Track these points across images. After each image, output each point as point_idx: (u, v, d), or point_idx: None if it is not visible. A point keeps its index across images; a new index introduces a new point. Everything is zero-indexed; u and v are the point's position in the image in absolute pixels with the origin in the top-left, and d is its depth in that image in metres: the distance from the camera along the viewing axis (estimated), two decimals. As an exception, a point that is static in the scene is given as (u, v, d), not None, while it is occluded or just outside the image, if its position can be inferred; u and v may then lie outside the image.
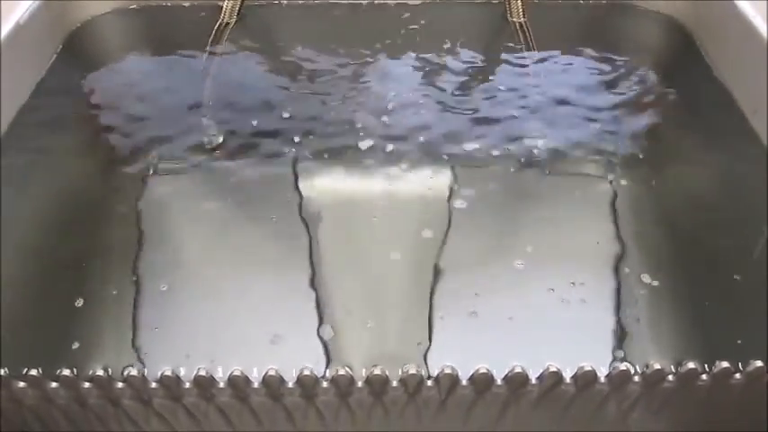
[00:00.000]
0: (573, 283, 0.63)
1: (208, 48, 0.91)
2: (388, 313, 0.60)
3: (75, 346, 0.57)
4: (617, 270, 0.64)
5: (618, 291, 0.62)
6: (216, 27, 0.93)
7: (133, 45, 0.92)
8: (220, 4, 0.94)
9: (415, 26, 0.95)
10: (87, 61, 0.89)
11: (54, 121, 0.80)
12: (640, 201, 0.72)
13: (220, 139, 0.78)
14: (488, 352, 0.57)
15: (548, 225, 0.69)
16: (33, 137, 0.77)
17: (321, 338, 0.58)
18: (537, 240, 0.67)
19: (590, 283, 0.63)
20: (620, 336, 0.59)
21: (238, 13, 0.95)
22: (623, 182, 0.73)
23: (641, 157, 0.77)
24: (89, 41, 0.92)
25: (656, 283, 0.63)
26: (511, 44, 0.91)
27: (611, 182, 0.73)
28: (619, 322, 0.60)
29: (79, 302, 0.61)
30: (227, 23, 0.94)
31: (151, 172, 0.74)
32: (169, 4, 0.96)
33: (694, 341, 0.59)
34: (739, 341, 0.57)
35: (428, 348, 0.57)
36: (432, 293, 0.62)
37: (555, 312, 0.60)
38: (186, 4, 0.97)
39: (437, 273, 0.63)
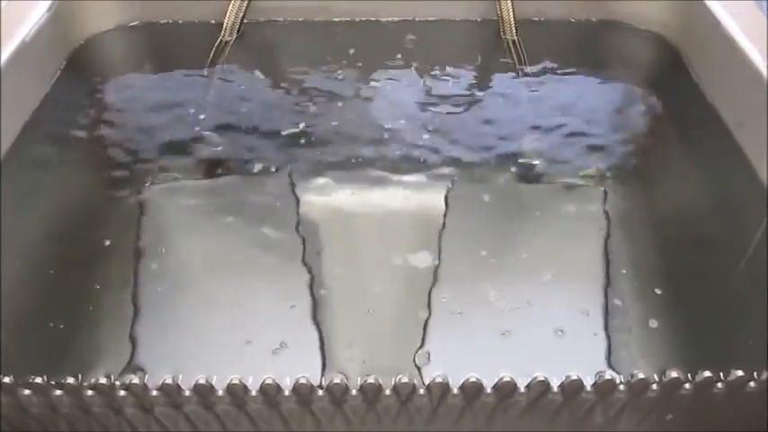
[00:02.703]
0: (565, 293, 0.65)
1: (208, 64, 0.92)
2: (383, 322, 0.62)
3: (78, 354, 0.59)
4: (608, 280, 0.65)
5: (608, 300, 0.64)
6: (216, 44, 0.95)
7: (135, 61, 0.94)
8: (221, 21, 0.96)
9: (412, 43, 0.96)
10: (90, 77, 0.91)
11: (57, 136, 0.82)
12: (631, 211, 0.73)
13: (220, 154, 0.80)
14: (480, 361, 0.58)
15: (541, 236, 0.70)
16: (37, 151, 0.79)
17: (317, 347, 0.59)
18: (531, 251, 0.68)
19: (582, 292, 0.65)
20: (611, 345, 0.60)
21: (238, 31, 0.96)
22: (614, 193, 0.75)
23: (632, 169, 0.78)
24: (92, 58, 0.94)
25: (646, 293, 0.64)
26: (504, 60, 0.93)
27: (603, 193, 0.75)
28: (609, 331, 0.61)
29: (81, 311, 0.62)
30: (227, 41, 0.96)
31: (151, 185, 0.76)
32: (170, 21, 0.98)
33: (683, 350, 0.60)
34: (727, 350, 0.59)
35: (420, 356, 0.59)
36: (428, 303, 0.63)
37: (547, 321, 0.62)
38: (187, 22, 0.98)
39: (432, 283, 0.65)
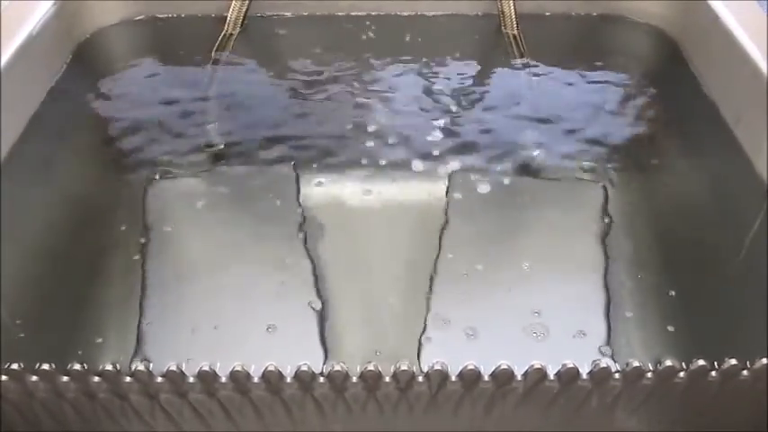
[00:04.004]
0: (565, 284, 0.65)
1: (212, 57, 0.93)
2: (384, 314, 0.62)
3: (85, 342, 0.60)
4: (606, 273, 0.66)
5: (608, 293, 0.64)
6: (220, 37, 0.95)
7: (140, 55, 0.95)
8: (225, 15, 0.97)
9: (415, 38, 0.97)
10: (96, 70, 0.92)
11: (64, 128, 0.83)
12: (630, 204, 0.74)
13: (223, 147, 0.80)
14: (479, 351, 0.59)
15: (540, 230, 0.71)
16: (44, 143, 0.79)
17: (319, 336, 0.60)
18: (530, 245, 0.68)
19: (581, 285, 0.65)
20: (610, 337, 0.61)
21: (242, 24, 0.97)
22: (613, 187, 0.75)
23: (630, 162, 0.79)
24: (98, 51, 0.95)
25: (645, 287, 0.65)
26: (505, 55, 0.94)
27: (602, 186, 0.75)
28: (608, 324, 0.62)
29: (87, 302, 0.63)
30: (231, 34, 0.96)
31: (156, 177, 0.76)
32: (174, 15, 0.99)
33: (681, 341, 0.61)
34: (725, 341, 0.59)
35: (421, 348, 0.60)
36: (428, 296, 0.64)
37: (544, 315, 0.62)
38: (191, 16, 0.99)
39: (433, 276, 0.65)
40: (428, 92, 0.88)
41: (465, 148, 0.80)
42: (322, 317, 0.62)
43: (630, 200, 0.74)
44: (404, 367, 0.45)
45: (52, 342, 0.60)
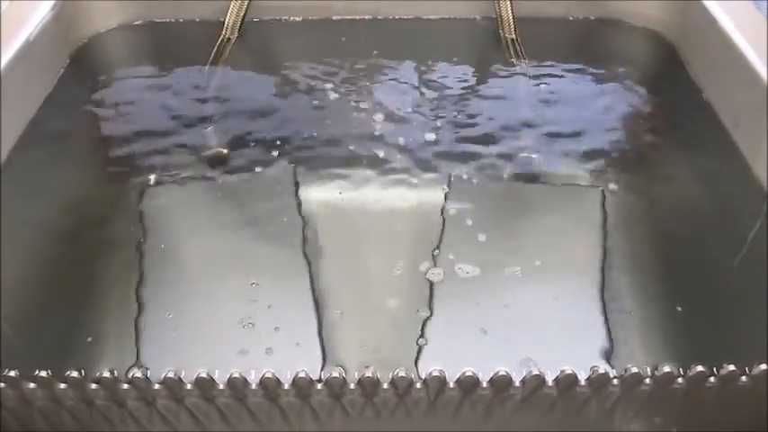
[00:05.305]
0: (564, 289, 0.65)
1: (210, 62, 0.93)
2: (382, 320, 0.62)
3: (82, 348, 0.60)
4: (604, 277, 0.66)
5: (605, 297, 0.64)
6: (218, 42, 0.96)
7: (138, 60, 0.95)
8: (222, 20, 0.97)
9: (412, 41, 0.97)
10: (94, 75, 0.92)
11: (61, 134, 0.82)
12: (628, 208, 0.74)
13: (222, 152, 0.80)
14: (477, 356, 0.59)
15: (539, 232, 0.71)
16: (41, 148, 0.79)
17: (317, 342, 0.60)
18: (528, 247, 0.68)
19: (580, 288, 0.65)
20: (609, 339, 0.61)
21: (240, 29, 0.97)
22: (611, 191, 0.75)
23: (629, 166, 0.79)
24: (95, 56, 0.95)
25: (644, 289, 0.64)
26: (503, 59, 0.94)
27: (601, 190, 0.75)
28: (608, 327, 0.62)
29: (85, 307, 0.63)
30: (229, 39, 0.97)
31: (153, 182, 0.76)
32: (172, 20, 0.99)
33: (680, 345, 0.61)
34: (720, 344, 0.59)
35: (420, 352, 0.60)
36: (427, 300, 0.64)
37: (546, 316, 0.62)
38: (189, 21, 0.99)
39: (432, 280, 0.65)
40: (427, 96, 0.88)
41: (463, 153, 0.80)
42: (320, 322, 0.62)
43: (629, 204, 0.74)
44: (402, 373, 0.45)
45: (49, 348, 0.60)
